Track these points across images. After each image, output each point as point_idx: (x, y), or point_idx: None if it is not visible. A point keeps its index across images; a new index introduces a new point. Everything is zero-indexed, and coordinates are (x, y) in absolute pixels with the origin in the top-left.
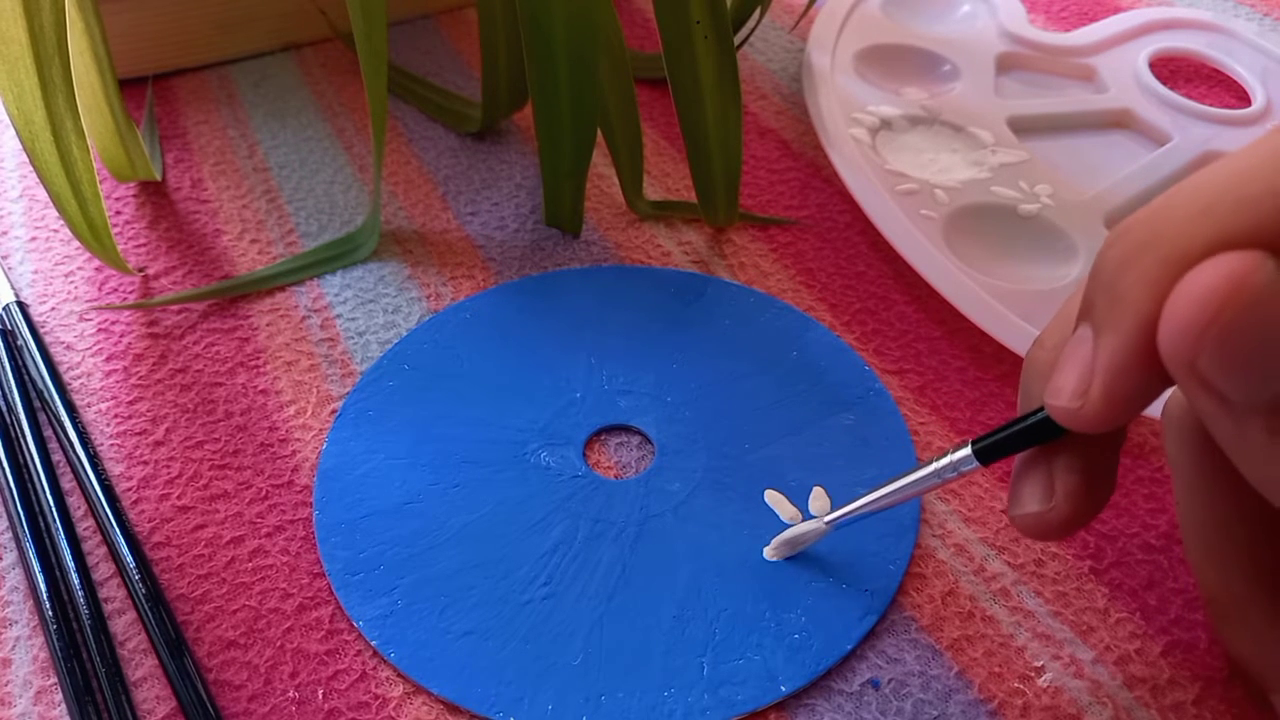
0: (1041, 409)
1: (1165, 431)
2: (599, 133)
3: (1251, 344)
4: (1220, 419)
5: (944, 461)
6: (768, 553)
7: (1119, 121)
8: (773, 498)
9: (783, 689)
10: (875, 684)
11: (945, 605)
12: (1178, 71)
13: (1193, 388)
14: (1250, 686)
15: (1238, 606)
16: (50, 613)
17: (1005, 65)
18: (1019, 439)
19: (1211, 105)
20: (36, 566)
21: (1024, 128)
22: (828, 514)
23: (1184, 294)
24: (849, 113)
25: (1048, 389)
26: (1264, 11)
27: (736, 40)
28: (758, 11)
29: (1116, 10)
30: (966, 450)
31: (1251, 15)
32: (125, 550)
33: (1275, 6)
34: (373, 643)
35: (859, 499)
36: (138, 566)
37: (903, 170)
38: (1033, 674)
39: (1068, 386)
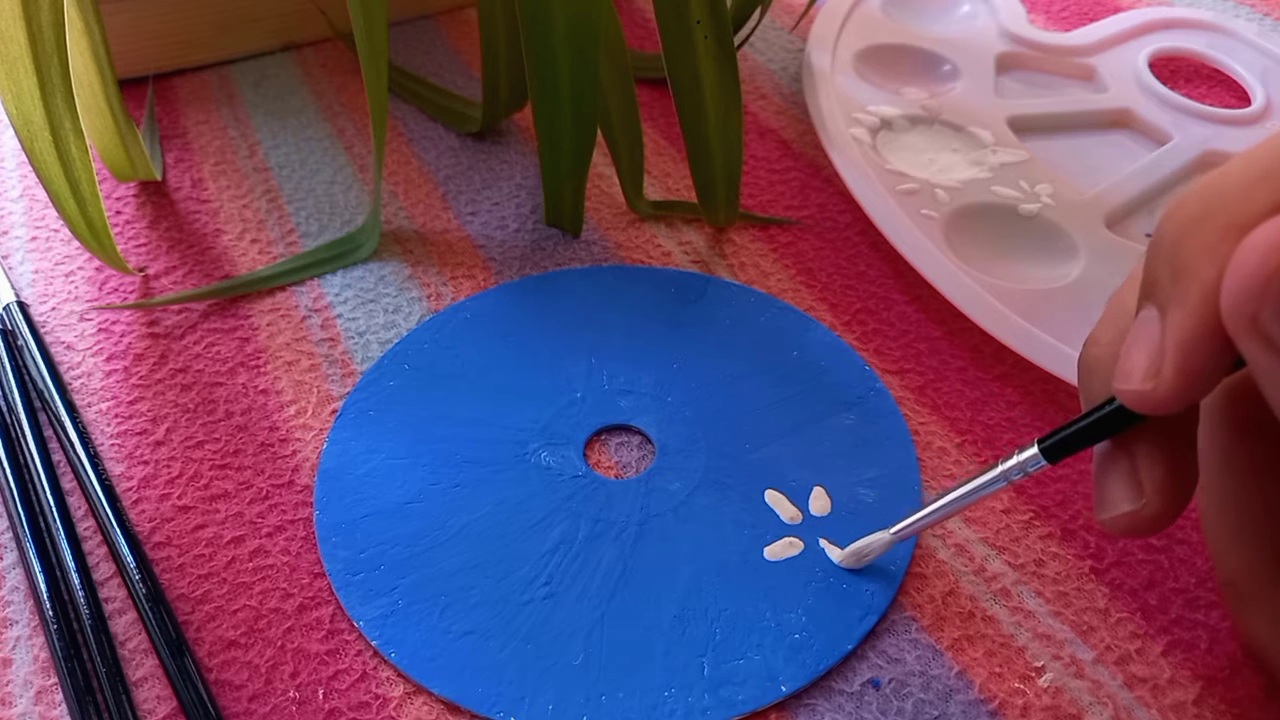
0: (1110, 401)
1: (1200, 411)
2: (599, 132)
3: None
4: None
5: (1011, 463)
6: (840, 560)
7: (1119, 121)
8: (773, 498)
9: (783, 689)
10: (876, 684)
11: (946, 605)
12: (1178, 71)
13: (1254, 345)
14: (1265, 675)
15: (1259, 589)
16: (51, 613)
17: (1005, 65)
18: (1088, 433)
19: (1211, 105)
20: (37, 566)
21: (1024, 127)
22: (895, 527)
23: (1247, 249)
24: (849, 112)
25: (1117, 375)
26: (1264, 11)
27: (737, 40)
28: (758, 11)
29: (1116, 10)
30: (1033, 450)
31: (1251, 15)
32: (126, 550)
33: (1275, 6)
34: (373, 643)
35: (925, 509)
36: (138, 566)
37: (903, 170)
38: (1033, 674)
39: (1138, 368)
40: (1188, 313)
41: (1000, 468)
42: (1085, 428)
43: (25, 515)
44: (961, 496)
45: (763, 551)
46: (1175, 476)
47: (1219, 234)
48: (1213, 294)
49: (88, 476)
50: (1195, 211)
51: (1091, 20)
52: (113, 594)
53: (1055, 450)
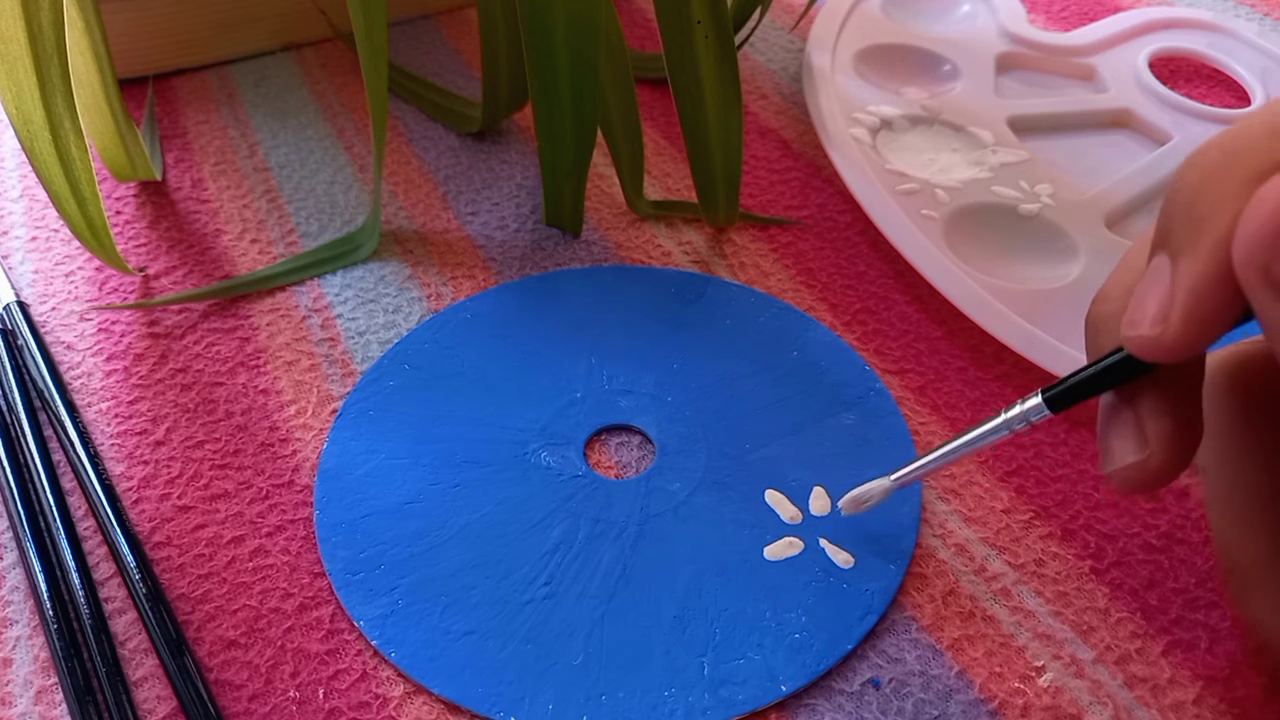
0: (1117, 351)
1: (1204, 395)
2: (599, 132)
3: None
4: None
5: (1013, 412)
6: (841, 505)
7: (1119, 121)
8: (773, 497)
9: (783, 689)
10: (876, 684)
11: (946, 605)
12: (1178, 71)
13: (1265, 296)
14: (1265, 674)
15: (1262, 574)
16: (51, 613)
17: (1005, 65)
18: (1093, 383)
19: (1211, 105)
20: (37, 566)
21: (1024, 127)
22: (895, 473)
23: (1260, 200)
24: (849, 112)
25: (1125, 321)
26: (1264, 11)
27: (737, 40)
28: (758, 11)
29: (1116, 10)
30: (1037, 399)
31: (1252, 15)
32: (126, 550)
33: (1275, 6)
34: (373, 643)
35: (926, 455)
36: (138, 566)
37: (903, 170)
38: (1033, 674)
39: (1147, 314)
40: (1200, 259)
41: (1003, 416)
42: (1090, 377)
43: (25, 515)
44: (963, 444)
45: (763, 551)
46: (1180, 428)
47: (1237, 184)
48: (1226, 243)
49: (88, 476)
50: (1215, 161)
51: (1091, 20)
52: (113, 594)
53: (1059, 400)
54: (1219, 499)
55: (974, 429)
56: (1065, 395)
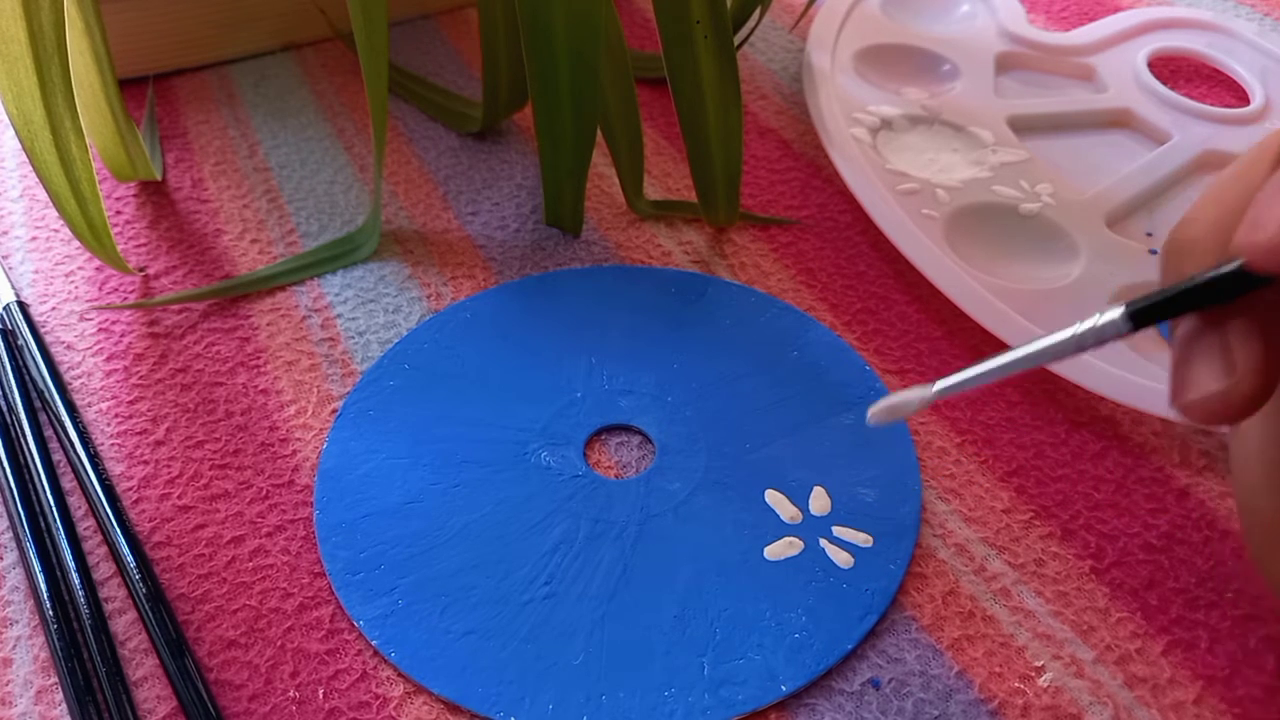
0: (1219, 266)
1: None
2: (599, 132)
3: None
4: None
5: (1086, 326)
6: (872, 412)
7: (1119, 121)
8: (773, 497)
9: (783, 689)
10: (876, 684)
11: (946, 605)
12: (1178, 71)
13: None
14: (1265, 673)
15: None
16: (51, 613)
17: (1005, 65)
18: (1186, 298)
19: (1211, 105)
20: (37, 566)
21: (1024, 127)
22: (939, 384)
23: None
24: (849, 112)
25: (1243, 228)
26: (1264, 11)
27: (737, 40)
28: (758, 11)
29: (1116, 10)
30: (1118, 312)
31: (1252, 15)
32: (126, 550)
33: (1275, 6)
34: (373, 642)
35: (979, 365)
36: (138, 566)
37: (904, 170)
38: (1033, 674)
39: (1275, 220)
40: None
41: (1075, 330)
42: (1185, 291)
43: (25, 515)
44: (1024, 358)
45: (763, 551)
46: (1270, 354)
47: None
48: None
49: (87, 477)
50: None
51: (1091, 20)
52: (113, 593)
53: (1143, 315)
54: (1248, 455)
55: (1038, 341)
56: (1152, 310)
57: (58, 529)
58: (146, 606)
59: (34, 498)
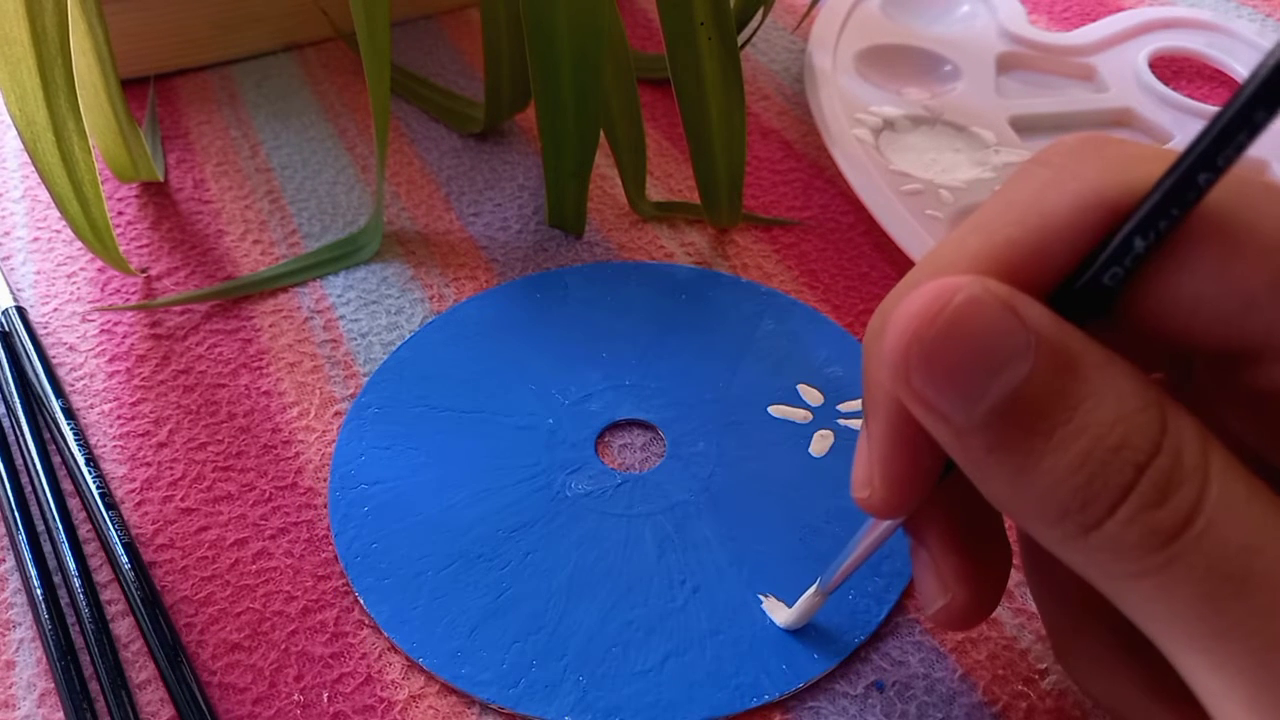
0: None
1: None
2: (602, 133)
3: (951, 359)
4: (948, 441)
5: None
6: (785, 626)
7: (1120, 120)
8: (770, 605)
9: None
10: (880, 686)
11: None
12: (1179, 71)
13: (917, 410)
14: None
15: (1073, 637)
16: (46, 616)
17: (1006, 65)
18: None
19: (1212, 105)
20: (33, 572)
21: (1026, 127)
22: (818, 583)
23: (896, 314)
24: (851, 113)
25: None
26: (1265, 12)
27: (739, 41)
28: (760, 12)
29: (1117, 10)
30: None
31: (1254, 16)
32: (121, 554)
33: (1276, 7)
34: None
35: (840, 557)
36: (133, 569)
37: (906, 170)
38: (1036, 676)
39: (856, 477)
40: (879, 420)
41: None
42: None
43: (22, 519)
44: (861, 546)
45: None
46: (973, 565)
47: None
48: (894, 400)
49: (83, 480)
50: (874, 326)
51: (1092, 20)
52: (115, 595)
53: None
54: (1029, 570)
55: (863, 532)
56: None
57: (58, 532)
58: (142, 610)
59: (34, 500)
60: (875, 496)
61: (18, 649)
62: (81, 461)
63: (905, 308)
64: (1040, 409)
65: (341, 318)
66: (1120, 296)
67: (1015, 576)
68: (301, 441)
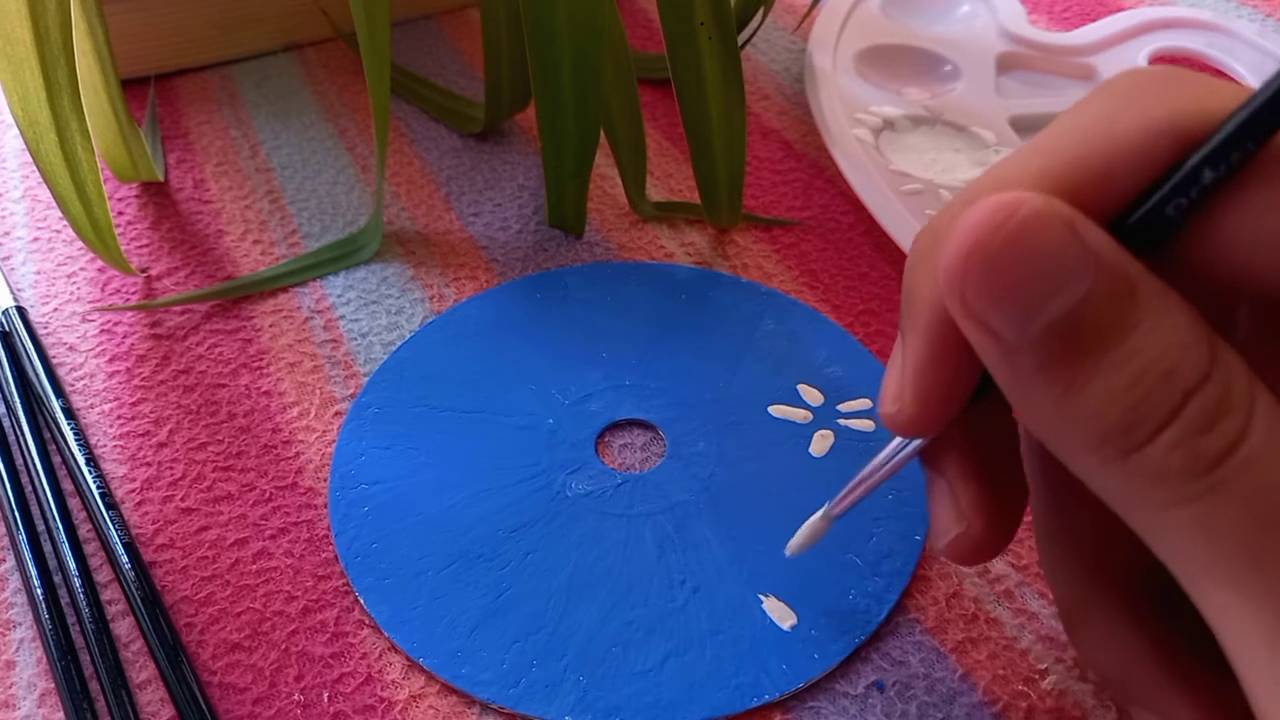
0: None
1: (1022, 440)
2: (602, 133)
3: (1012, 273)
4: (995, 358)
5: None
6: (789, 550)
7: None
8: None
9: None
10: (880, 686)
11: (949, 607)
12: None
13: (968, 325)
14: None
15: (1084, 608)
16: (45, 615)
17: (1005, 65)
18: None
19: None
20: (33, 572)
21: (1026, 127)
22: (825, 508)
23: (957, 226)
24: (851, 113)
25: (879, 398)
26: (1266, 12)
27: (740, 41)
28: (760, 12)
29: (1117, 9)
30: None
31: (1254, 16)
32: (121, 553)
33: (1276, 7)
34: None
35: (852, 481)
36: (133, 568)
37: (907, 170)
38: (1037, 676)
39: (887, 393)
40: (919, 335)
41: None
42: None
43: (22, 519)
44: (877, 468)
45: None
46: (991, 495)
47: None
48: (938, 316)
49: (83, 480)
50: (922, 245)
51: (1092, 20)
52: (116, 595)
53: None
54: (1042, 539)
55: (879, 457)
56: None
57: (58, 531)
58: (142, 610)
59: (34, 500)
60: (904, 413)
61: (18, 649)
62: (82, 461)
63: (968, 219)
64: (1095, 330)
65: (342, 318)
66: (1180, 231)
67: (1016, 576)
68: (302, 441)
